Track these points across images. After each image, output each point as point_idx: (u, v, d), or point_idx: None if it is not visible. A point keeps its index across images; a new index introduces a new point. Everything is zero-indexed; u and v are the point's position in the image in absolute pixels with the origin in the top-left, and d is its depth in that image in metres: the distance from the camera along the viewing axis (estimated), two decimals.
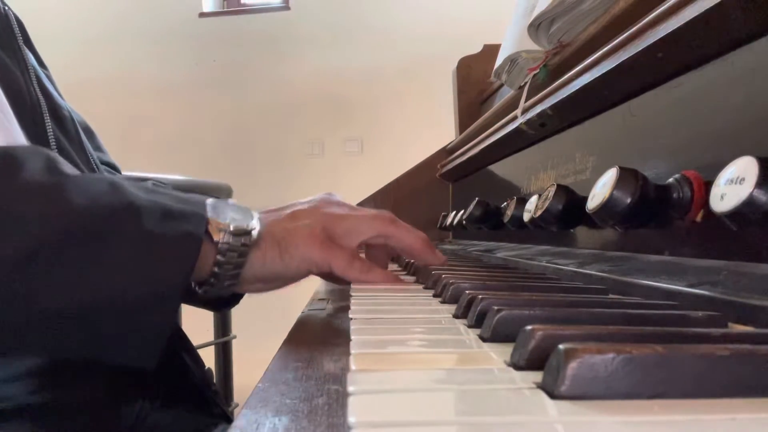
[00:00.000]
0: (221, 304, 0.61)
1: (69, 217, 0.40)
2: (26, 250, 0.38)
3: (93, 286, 0.40)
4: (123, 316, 0.41)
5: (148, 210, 0.42)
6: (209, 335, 1.86)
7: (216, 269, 0.46)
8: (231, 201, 0.49)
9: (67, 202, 0.40)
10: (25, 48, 0.65)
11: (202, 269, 0.46)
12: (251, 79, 3.54)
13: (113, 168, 0.86)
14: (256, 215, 0.49)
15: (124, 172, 0.90)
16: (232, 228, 0.46)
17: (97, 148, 0.81)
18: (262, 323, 2.30)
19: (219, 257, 0.46)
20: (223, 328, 1.88)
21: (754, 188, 0.30)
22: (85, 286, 0.40)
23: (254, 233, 0.47)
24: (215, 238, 0.45)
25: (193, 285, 0.48)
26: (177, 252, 0.42)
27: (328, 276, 0.55)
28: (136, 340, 0.42)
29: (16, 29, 0.65)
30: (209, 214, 0.46)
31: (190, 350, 0.69)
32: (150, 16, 3.57)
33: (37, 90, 0.63)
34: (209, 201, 0.47)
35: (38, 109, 0.62)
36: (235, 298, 0.63)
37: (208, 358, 1.74)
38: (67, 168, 0.44)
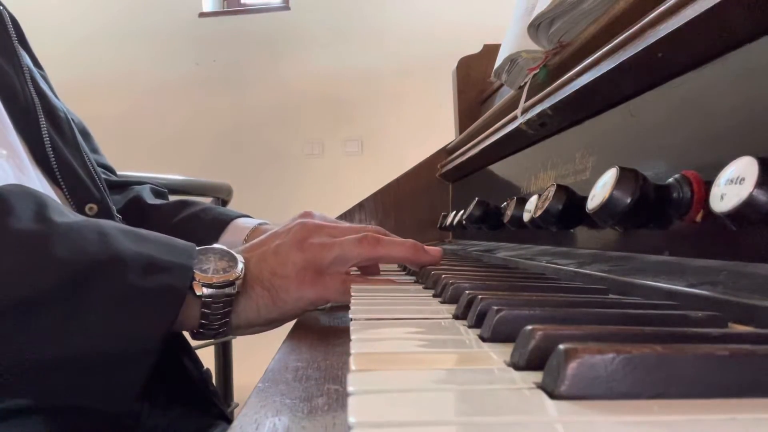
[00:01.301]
0: None
1: (53, 270, 0.40)
2: (7, 301, 0.38)
3: (71, 339, 0.40)
4: (99, 369, 0.41)
5: (133, 262, 0.42)
6: None
7: (203, 320, 0.47)
8: (217, 246, 0.49)
9: (52, 254, 0.40)
10: (20, 48, 0.65)
11: (188, 320, 0.46)
12: (251, 79, 3.54)
13: (108, 170, 0.86)
14: (240, 260, 0.48)
15: (124, 172, 0.90)
16: (215, 281, 0.46)
17: (94, 150, 0.81)
18: None
19: (204, 309, 0.46)
20: None
21: (754, 188, 0.30)
22: (64, 340, 0.40)
23: (238, 283, 0.47)
24: (198, 293, 0.45)
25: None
26: (158, 306, 0.42)
27: None
28: (112, 391, 0.43)
29: (11, 29, 0.64)
30: (195, 265, 0.46)
31: (189, 351, 0.69)
32: (150, 16, 3.57)
33: (32, 90, 0.63)
34: (197, 249, 0.47)
35: (33, 110, 0.62)
36: None
37: (208, 358, 1.74)
38: (57, 214, 0.44)
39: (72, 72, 3.05)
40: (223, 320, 0.47)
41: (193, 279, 0.45)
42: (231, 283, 0.47)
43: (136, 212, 0.79)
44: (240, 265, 0.48)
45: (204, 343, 1.73)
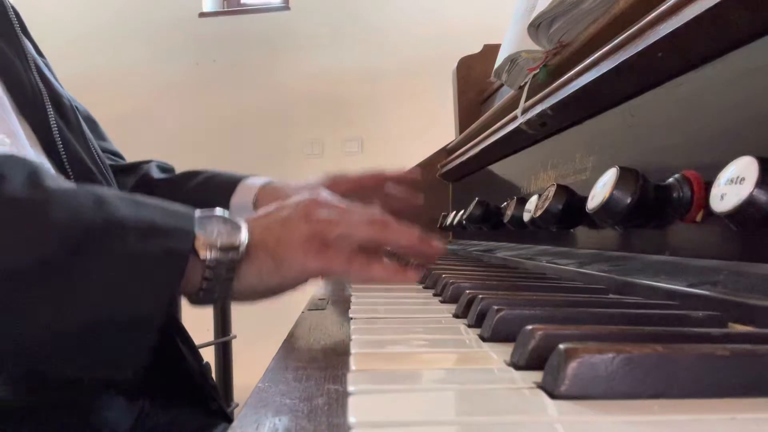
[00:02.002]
0: None
1: (51, 236, 0.39)
2: (6, 271, 0.38)
3: (73, 307, 0.39)
4: (103, 336, 0.40)
5: (133, 226, 0.41)
6: (209, 335, 1.86)
7: (204, 284, 0.46)
8: (219, 211, 0.48)
9: (48, 219, 0.39)
10: (23, 36, 0.64)
11: (190, 284, 0.45)
12: (251, 79, 3.54)
13: (117, 156, 0.86)
14: (244, 228, 0.48)
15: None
16: (219, 244, 0.45)
17: (100, 137, 0.81)
18: (262, 323, 2.29)
19: (207, 273, 0.45)
20: (223, 328, 1.88)
21: (754, 188, 0.30)
22: (66, 308, 0.39)
23: (242, 248, 0.46)
24: (201, 255, 0.44)
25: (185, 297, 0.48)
26: (161, 270, 0.41)
27: None
28: (117, 359, 0.42)
29: (13, 17, 0.64)
30: (196, 228, 0.45)
31: (188, 342, 0.69)
32: (150, 15, 3.57)
33: (38, 79, 0.62)
34: (197, 214, 0.46)
35: (39, 98, 0.61)
36: None
37: (208, 358, 1.74)
38: (50, 180, 0.43)
39: (71, 71, 3.04)
40: (224, 286, 0.46)
41: (196, 239, 0.44)
42: (235, 248, 0.46)
43: (145, 189, 0.79)
44: (244, 232, 0.47)
45: (204, 342, 1.73)
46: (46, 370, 0.44)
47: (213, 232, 0.45)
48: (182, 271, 0.42)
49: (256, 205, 0.76)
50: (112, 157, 0.82)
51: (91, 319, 0.40)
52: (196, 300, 0.47)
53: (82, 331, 0.40)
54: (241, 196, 0.77)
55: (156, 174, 0.84)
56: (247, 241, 0.47)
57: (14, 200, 0.40)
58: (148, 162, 0.87)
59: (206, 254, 0.44)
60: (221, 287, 0.46)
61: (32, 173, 0.42)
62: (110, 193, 0.44)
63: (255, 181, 0.79)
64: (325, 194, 0.54)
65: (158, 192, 0.76)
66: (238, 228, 0.47)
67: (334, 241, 0.50)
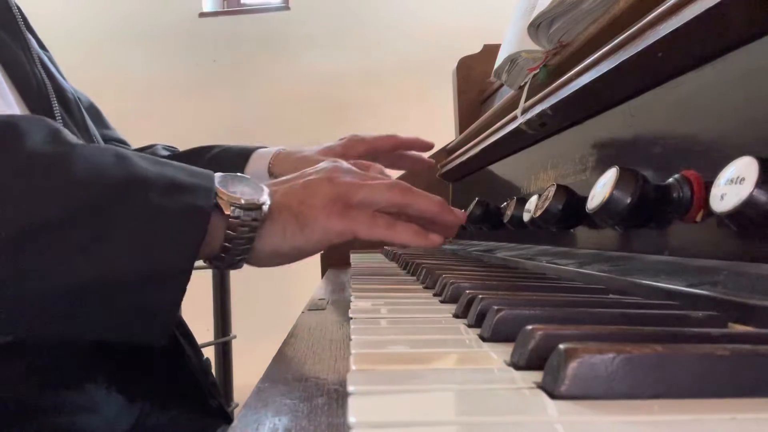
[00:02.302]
0: None
1: (73, 191, 0.38)
2: (28, 225, 0.37)
3: (98, 262, 0.38)
4: (131, 292, 0.40)
5: (155, 182, 0.41)
6: (209, 335, 1.87)
7: (226, 244, 0.45)
8: (240, 174, 0.47)
9: (71, 174, 0.39)
10: (26, 31, 0.65)
11: (212, 243, 0.45)
12: (251, 79, 3.54)
13: (123, 144, 0.87)
14: (266, 190, 0.47)
15: None
16: (242, 201, 0.44)
17: (104, 125, 0.81)
18: (262, 323, 2.29)
19: (229, 232, 0.45)
20: (223, 328, 1.88)
21: (754, 188, 0.30)
22: (91, 263, 0.38)
23: (265, 208, 0.46)
24: (225, 212, 0.44)
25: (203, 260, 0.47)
26: (185, 226, 0.41)
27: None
28: (145, 317, 0.41)
29: (16, 12, 0.64)
30: (219, 186, 0.44)
31: (188, 336, 0.69)
32: (150, 16, 3.57)
33: (42, 71, 0.63)
34: (219, 174, 0.46)
35: (44, 91, 0.62)
36: None
37: (208, 357, 1.74)
38: (71, 137, 0.42)
39: (71, 72, 3.04)
40: (246, 246, 0.46)
41: (219, 198, 0.44)
42: (258, 207, 0.45)
43: None
44: (266, 194, 0.47)
45: (204, 342, 1.73)
46: (72, 332, 0.43)
47: (236, 191, 0.45)
48: (205, 226, 0.42)
49: (271, 171, 0.77)
50: (119, 144, 0.82)
51: (116, 272, 0.39)
52: (218, 262, 0.47)
53: (107, 285, 0.39)
54: (255, 166, 0.78)
55: (163, 153, 0.85)
56: (269, 201, 0.47)
57: (37, 155, 0.39)
58: (153, 145, 0.88)
59: (230, 211, 0.44)
60: (243, 248, 0.46)
61: (54, 131, 0.42)
62: (130, 152, 0.44)
63: (268, 150, 0.80)
64: (345, 164, 0.54)
65: None
66: (260, 189, 0.47)
67: (356, 204, 0.50)
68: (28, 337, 0.48)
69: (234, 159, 0.80)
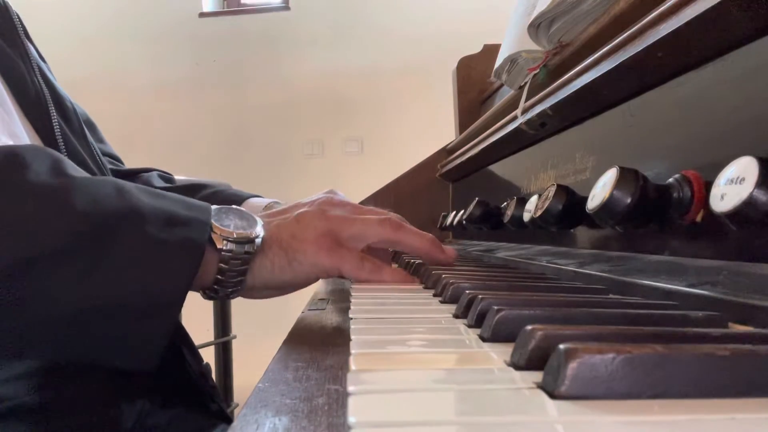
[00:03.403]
0: None
1: (72, 221, 0.40)
2: (28, 254, 0.38)
3: (94, 291, 0.40)
4: (124, 321, 0.41)
5: (152, 215, 0.42)
6: (209, 335, 1.86)
7: (219, 276, 0.46)
8: (235, 207, 0.49)
9: (71, 205, 0.40)
10: (26, 41, 0.65)
11: (205, 276, 0.46)
12: (251, 79, 3.54)
13: (116, 159, 0.87)
14: (260, 222, 0.49)
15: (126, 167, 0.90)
16: (235, 235, 0.45)
17: (99, 139, 0.81)
18: (262, 323, 2.29)
19: (222, 265, 0.46)
20: (223, 328, 1.88)
21: (754, 188, 0.30)
22: (87, 291, 0.39)
23: (258, 241, 0.47)
24: (218, 246, 0.45)
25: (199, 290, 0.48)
26: (179, 259, 0.42)
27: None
28: (137, 345, 0.42)
29: (17, 22, 0.65)
30: (213, 220, 0.45)
31: (188, 343, 0.69)
32: (150, 15, 3.57)
33: (41, 81, 0.63)
34: (214, 207, 0.47)
35: (42, 100, 0.62)
36: None
37: (208, 358, 1.74)
38: (72, 169, 0.44)
39: (71, 72, 3.04)
40: (238, 278, 0.47)
41: (213, 233, 0.45)
42: (251, 240, 0.46)
43: None
44: (260, 226, 0.48)
45: (204, 342, 1.73)
46: (67, 357, 0.45)
47: (230, 225, 0.46)
48: (199, 260, 0.43)
49: None
50: (111, 161, 0.82)
51: (110, 304, 0.40)
52: (210, 293, 0.48)
53: (102, 313, 0.40)
54: None
55: (157, 183, 0.84)
56: (262, 234, 0.48)
57: (38, 187, 0.40)
58: (149, 170, 0.87)
59: (222, 245, 0.45)
60: (235, 280, 0.47)
61: (55, 162, 0.43)
62: (129, 184, 0.45)
63: (260, 201, 0.80)
64: (340, 196, 0.55)
65: None
66: (254, 222, 0.48)
67: (347, 240, 0.51)
68: (27, 359, 0.49)
69: (224, 204, 0.79)
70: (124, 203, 0.42)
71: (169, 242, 0.42)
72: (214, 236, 0.45)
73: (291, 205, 0.55)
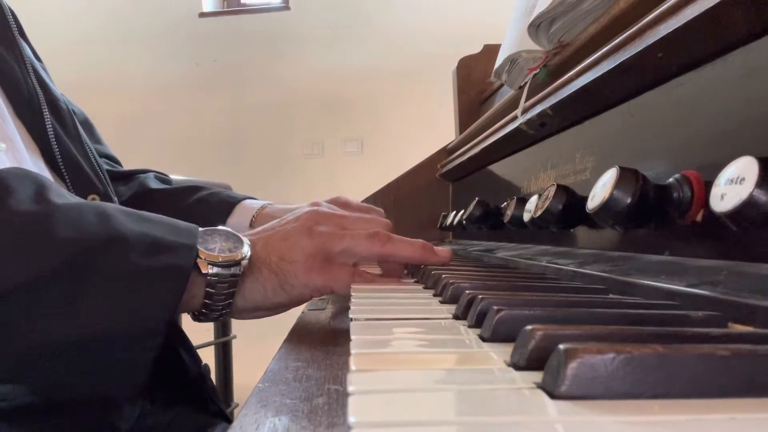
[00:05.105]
0: None
1: (54, 250, 0.39)
2: (8, 284, 0.38)
3: (76, 321, 0.39)
4: (108, 349, 0.41)
5: (136, 241, 0.42)
6: (209, 335, 1.86)
7: (207, 301, 0.46)
8: (221, 228, 0.48)
9: (53, 234, 0.40)
10: (20, 39, 0.64)
11: (192, 300, 0.46)
12: (251, 79, 3.54)
13: (113, 160, 0.86)
14: (246, 242, 0.48)
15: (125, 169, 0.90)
16: (221, 259, 0.45)
17: (97, 140, 0.81)
18: (262, 323, 2.29)
19: (209, 289, 0.45)
20: (223, 327, 1.88)
21: (754, 188, 0.30)
22: (70, 321, 0.39)
23: (244, 263, 0.47)
24: (203, 271, 0.45)
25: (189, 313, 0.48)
26: (164, 286, 0.42)
27: None
28: (122, 373, 0.42)
29: (11, 20, 0.64)
30: (199, 244, 0.45)
31: (186, 345, 0.69)
32: (150, 15, 3.57)
33: (35, 82, 0.62)
34: (201, 230, 0.47)
35: (36, 101, 0.61)
36: None
37: (208, 358, 1.74)
38: (56, 196, 0.43)
39: (71, 72, 3.04)
40: (226, 301, 0.47)
41: (198, 257, 0.44)
42: (237, 263, 0.46)
43: (143, 199, 0.79)
44: (246, 246, 0.47)
45: (204, 342, 1.73)
46: (50, 385, 0.44)
47: (215, 248, 0.46)
48: (183, 286, 0.43)
49: (252, 226, 0.76)
50: (108, 161, 0.81)
51: (93, 334, 0.40)
52: (199, 316, 0.47)
53: (83, 346, 0.40)
54: (239, 217, 0.77)
55: (154, 184, 0.84)
56: (249, 255, 0.47)
57: (20, 214, 0.40)
58: (145, 172, 0.86)
59: (208, 270, 0.45)
60: (223, 303, 0.47)
61: (39, 187, 0.43)
62: (114, 208, 0.44)
63: (254, 203, 0.79)
64: (326, 207, 0.54)
65: (155, 203, 0.76)
66: (240, 243, 0.47)
67: (336, 256, 0.50)
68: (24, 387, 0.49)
69: (219, 205, 0.79)
70: (107, 230, 0.42)
71: (154, 269, 0.41)
72: (199, 261, 0.44)
73: (276, 221, 0.54)
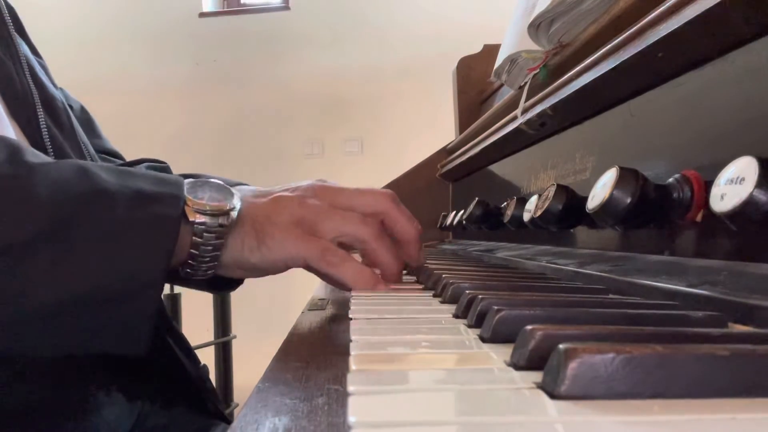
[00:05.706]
0: (220, 286, 0.58)
1: (36, 211, 0.38)
2: None
3: (68, 280, 0.38)
4: (104, 307, 0.39)
5: (119, 195, 0.40)
6: (209, 335, 1.87)
7: (194, 251, 0.44)
8: (214, 180, 0.47)
9: (32, 195, 0.38)
10: (17, 36, 0.64)
11: (179, 252, 0.44)
12: (251, 79, 3.54)
13: (114, 155, 0.86)
14: (237, 195, 0.47)
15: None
16: (209, 208, 0.44)
17: (96, 134, 0.80)
18: (262, 323, 2.29)
19: (195, 238, 0.44)
20: (223, 328, 1.88)
21: (754, 188, 0.30)
22: (60, 281, 0.38)
23: (233, 214, 0.45)
24: (191, 219, 0.43)
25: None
26: (153, 237, 0.41)
27: (317, 273, 0.51)
28: (122, 329, 0.41)
29: (7, 17, 0.63)
30: (186, 193, 0.44)
31: (184, 346, 0.69)
32: (150, 15, 3.57)
33: (30, 80, 0.62)
34: (188, 180, 0.45)
35: (30, 99, 0.61)
36: (235, 281, 0.59)
37: (208, 358, 1.74)
38: (32, 157, 0.42)
39: (71, 72, 3.04)
40: (214, 253, 0.45)
41: (186, 205, 0.43)
42: (225, 213, 0.44)
43: None
44: (236, 199, 0.46)
45: (204, 343, 1.73)
46: (54, 349, 0.43)
47: (203, 197, 0.44)
48: (174, 235, 0.41)
49: None
50: (107, 156, 0.81)
51: (87, 290, 0.39)
52: (188, 269, 0.46)
53: (79, 302, 0.39)
54: None
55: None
56: (238, 207, 0.46)
57: None
58: (140, 162, 0.86)
59: (195, 218, 0.43)
60: (210, 255, 0.45)
61: (13, 149, 0.41)
62: (94, 164, 0.43)
63: (248, 189, 0.78)
64: (329, 183, 0.53)
65: None
66: (231, 195, 0.46)
67: (320, 232, 0.48)
68: (19, 354, 0.48)
69: None
70: (88, 185, 0.40)
71: (142, 220, 0.40)
72: (186, 209, 0.43)
73: (276, 187, 0.52)
